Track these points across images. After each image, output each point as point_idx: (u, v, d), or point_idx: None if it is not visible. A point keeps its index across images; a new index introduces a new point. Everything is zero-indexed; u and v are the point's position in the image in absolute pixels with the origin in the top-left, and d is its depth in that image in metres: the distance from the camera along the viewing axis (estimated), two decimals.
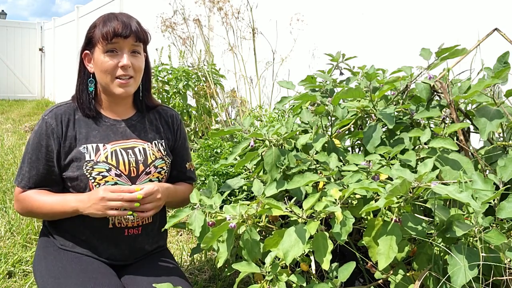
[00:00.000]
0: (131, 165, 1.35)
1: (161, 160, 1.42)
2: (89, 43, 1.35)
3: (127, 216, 1.32)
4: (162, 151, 1.44)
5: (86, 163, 1.31)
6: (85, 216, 1.31)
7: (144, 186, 1.30)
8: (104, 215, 1.26)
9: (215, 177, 2.45)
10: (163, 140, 1.47)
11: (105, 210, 1.24)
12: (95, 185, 1.31)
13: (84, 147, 1.33)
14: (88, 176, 1.31)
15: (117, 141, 1.37)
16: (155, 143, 1.44)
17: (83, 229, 1.35)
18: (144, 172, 1.37)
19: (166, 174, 1.45)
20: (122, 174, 1.34)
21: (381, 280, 1.23)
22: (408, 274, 1.17)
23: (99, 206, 1.24)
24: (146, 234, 1.41)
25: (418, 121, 1.42)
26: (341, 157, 1.41)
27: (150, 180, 1.39)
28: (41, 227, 1.49)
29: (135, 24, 1.32)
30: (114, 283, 1.27)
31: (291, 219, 1.21)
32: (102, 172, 1.31)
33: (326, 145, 1.44)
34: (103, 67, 1.31)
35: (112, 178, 1.32)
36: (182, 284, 1.32)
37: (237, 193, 2.35)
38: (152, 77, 4.15)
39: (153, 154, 1.41)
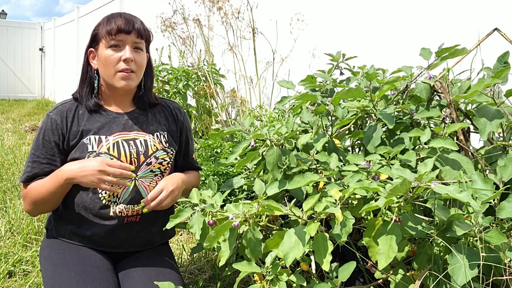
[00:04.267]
0: (132, 156, 1.39)
1: (163, 151, 1.45)
2: (94, 40, 1.41)
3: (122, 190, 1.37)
4: (164, 143, 1.46)
5: (88, 154, 1.35)
6: (88, 204, 1.36)
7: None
8: (96, 187, 1.28)
9: (215, 177, 2.45)
10: (166, 132, 1.49)
11: (99, 183, 1.26)
12: None
13: (87, 139, 1.37)
14: None
15: (119, 132, 1.41)
16: (157, 134, 1.46)
17: (85, 218, 1.38)
18: (145, 163, 1.40)
19: (169, 165, 1.47)
20: None
21: (381, 280, 1.23)
22: (408, 274, 1.17)
23: (94, 178, 1.26)
24: (147, 223, 1.44)
25: (418, 121, 1.43)
26: (341, 157, 1.41)
27: (151, 171, 1.41)
28: (47, 217, 1.54)
29: (138, 22, 1.40)
30: (106, 278, 1.31)
31: (291, 219, 1.21)
32: None
33: (326, 145, 1.45)
34: (107, 60, 1.36)
35: None
36: (173, 279, 1.33)
37: (237, 192, 2.35)
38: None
39: (154, 145, 1.43)
